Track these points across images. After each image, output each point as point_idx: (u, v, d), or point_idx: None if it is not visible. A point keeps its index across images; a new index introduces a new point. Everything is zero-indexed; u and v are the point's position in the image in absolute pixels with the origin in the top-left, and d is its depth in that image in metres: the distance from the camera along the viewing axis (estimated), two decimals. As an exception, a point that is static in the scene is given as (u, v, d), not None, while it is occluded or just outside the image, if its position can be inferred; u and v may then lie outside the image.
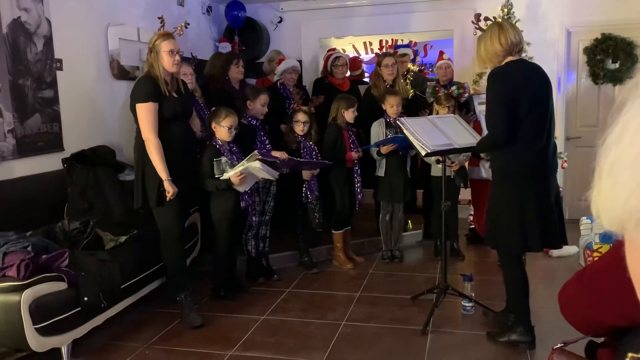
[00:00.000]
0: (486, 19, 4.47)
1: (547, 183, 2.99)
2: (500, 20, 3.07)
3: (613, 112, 0.52)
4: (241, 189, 3.78)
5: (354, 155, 4.52)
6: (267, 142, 4.26)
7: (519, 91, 2.89)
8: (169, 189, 3.36)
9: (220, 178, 3.69)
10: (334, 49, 5.70)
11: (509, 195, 2.98)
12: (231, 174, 3.62)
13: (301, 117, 4.36)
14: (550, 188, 3.00)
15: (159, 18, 3.92)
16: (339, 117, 4.49)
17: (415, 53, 7.82)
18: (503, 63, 3.01)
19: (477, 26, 4.70)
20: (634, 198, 0.48)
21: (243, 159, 3.65)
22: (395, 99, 4.58)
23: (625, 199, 0.49)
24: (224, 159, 3.75)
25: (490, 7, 5.27)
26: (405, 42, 7.98)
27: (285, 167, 4.14)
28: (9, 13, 3.51)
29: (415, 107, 5.03)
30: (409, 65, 5.94)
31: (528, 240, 2.96)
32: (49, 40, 3.83)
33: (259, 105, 4.16)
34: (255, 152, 3.61)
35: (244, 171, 3.60)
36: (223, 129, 3.76)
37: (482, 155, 4.32)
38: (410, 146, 4.10)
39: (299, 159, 4.18)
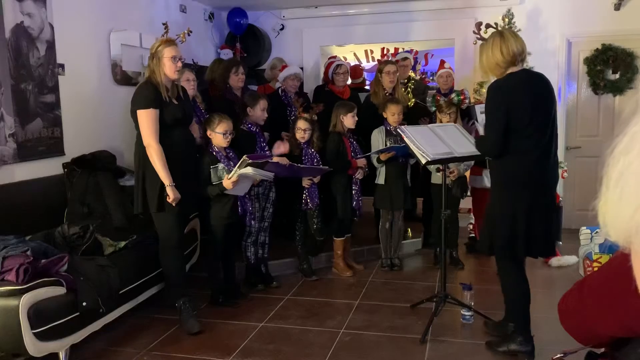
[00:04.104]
0: (487, 25, 4.46)
1: (543, 194, 3.00)
2: (501, 28, 3.05)
3: (620, 123, 0.52)
4: (237, 192, 3.79)
5: (360, 162, 4.51)
6: (266, 148, 4.26)
7: (517, 103, 2.88)
8: (172, 195, 3.36)
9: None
10: (334, 57, 5.71)
11: (504, 203, 2.99)
12: (225, 182, 3.63)
13: (302, 124, 4.36)
14: (546, 199, 3.01)
15: (163, 24, 3.93)
16: (339, 124, 4.50)
17: (415, 61, 7.83)
18: (506, 74, 2.99)
19: (478, 36, 4.67)
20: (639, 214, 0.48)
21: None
22: (396, 108, 4.59)
23: (631, 213, 0.49)
24: (220, 165, 3.75)
25: (492, 17, 5.27)
26: (407, 50, 8.00)
27: (285, 172, 4.14)
28: (12, 18, 3.52)
29: (415, 115, 5.04)
30: (410, 73, 5.94)
31: (517, 247, 2.99)
32: (51, 45, 3.85)
33: (259, 111, 4.16)
34: (245, 157, 3.61)
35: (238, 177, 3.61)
36: (218, 135, 3.77)
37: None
38: (410, 154, 4.10)
39: (297, 164, 4.19)
